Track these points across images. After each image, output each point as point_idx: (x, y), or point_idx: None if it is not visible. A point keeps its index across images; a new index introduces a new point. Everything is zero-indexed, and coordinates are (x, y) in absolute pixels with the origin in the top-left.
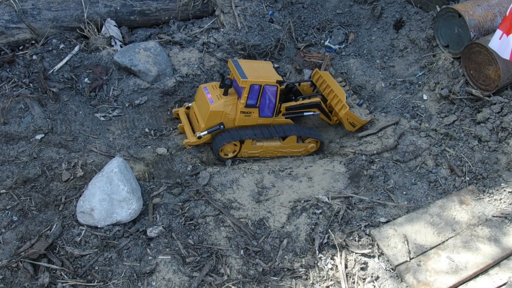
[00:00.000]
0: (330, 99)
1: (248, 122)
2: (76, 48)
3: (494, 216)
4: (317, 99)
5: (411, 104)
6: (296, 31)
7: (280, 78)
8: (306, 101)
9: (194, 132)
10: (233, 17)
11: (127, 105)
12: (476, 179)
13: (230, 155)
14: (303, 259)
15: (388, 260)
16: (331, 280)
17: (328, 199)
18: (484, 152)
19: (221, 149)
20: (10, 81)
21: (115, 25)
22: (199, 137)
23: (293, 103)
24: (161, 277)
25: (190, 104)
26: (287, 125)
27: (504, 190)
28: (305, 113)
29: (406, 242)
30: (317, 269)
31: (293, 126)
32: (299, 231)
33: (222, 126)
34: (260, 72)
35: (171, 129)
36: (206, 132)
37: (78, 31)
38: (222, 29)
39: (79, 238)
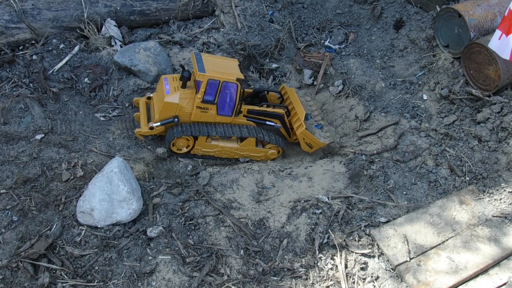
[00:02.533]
0: (291, 116)
1: (205, 119)
2: (76, 48)
3: (494, 216)
4: (281, 111)
5: (411, 104)
6: (296, 31)
7: (241, 76)
8: (270, 109)
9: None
10: (233, 17)
11: (127, 105)
12: (476, 179)
13: (184, 150)
14: (303, 259)
15: (388, 260)
16: (331, 280)
17: (328, 199)
18: (484, 152)
19: (173, 143)
20: (10, 81)
21: (115, 25)
22: (151, 128)
23: (256, 107)
24: (161, 277)
25: (151, 94)
26: (247, 127)
27: (504, 190)
28: (267, 122)
29: (406, 242)
30: (317, 269)
31: (253, 128)
32: (299, 231)
33: (176, 119)
34: (221, 68)
35: None
36: (159, 123)
37: (78, 31)
38: (222, 29)
39: (79, 238)
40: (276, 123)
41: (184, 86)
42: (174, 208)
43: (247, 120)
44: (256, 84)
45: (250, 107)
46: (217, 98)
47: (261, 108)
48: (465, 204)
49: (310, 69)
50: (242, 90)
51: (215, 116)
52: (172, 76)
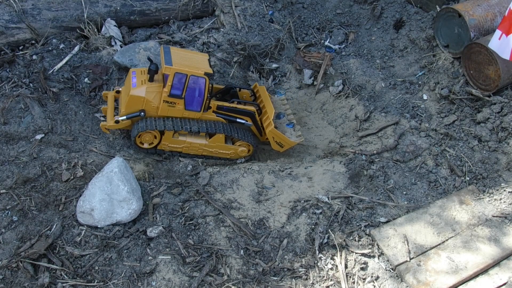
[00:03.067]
0: (262, 114)
1: (172, 114)
2: (76, 48)
3: (494, 216)
4: (252, 109)
5: (411, 104)
6: (296, 31)
7: (210, 71)
8: (240, 106)
9: None
10: (233, 17)
11: None
12: (476, 179)
13: (149, 145)
14: (303, 259)
15: (388, 260)
16: (331, 280)
17: (328, 199)
18: (484, 152)
19: (138, 137)
20: (10, 81)
21: (115, 25)
22: (117, 122)
23: (226, 104)
24: (161, 277)
25: (120, 88)
26: (216, 123)
27: (504, 190)
28: (238, 120)
29: (406, 242)
30: (317, 269)
31: (222, 125)
32: (299, 231)
33: (142, 113)
34: (189, 62)
35: None
36: (125, 117)
37: (78, 31)
38: (222, 29)
39: (79, 238)
40: (247, 121)
41: (151, 79)
42: (174, 208)
43: (217, 116)
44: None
45: (220, 103)
46: (184, 92)
47: (232, 105)
48: (465, 204)
49: (310, 69)
50: (211, 85)
51: (183, 111)
52: (141, 69)
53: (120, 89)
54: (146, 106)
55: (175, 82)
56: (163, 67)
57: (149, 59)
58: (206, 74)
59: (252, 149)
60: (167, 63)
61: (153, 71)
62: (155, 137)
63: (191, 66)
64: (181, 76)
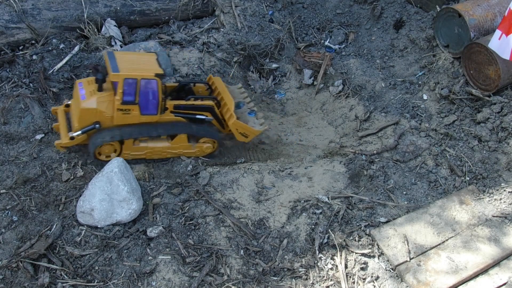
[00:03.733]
0: (222, 106)
1: (129, 121)
2: (76, 48)
3: (494, 216)
4: (210, 103)
5: (411, 104)
6: (296, 31)
7: (160, 71)
8: (198, 102)
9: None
10: (233, 17)
11: None
12: (476, 179)
13: (113, 155)
14: (303, 259)
15: (388, 260)
16: (331, 280)
17: (328, 199)
18: (484, 152)
19: (98, 151)
20: (10, 81)
21: (115, 25)
22: (72, 138)
23: (182, 102)
24: (161, 277)
25: (70, 102)
26: (176, 123)
27: (504, 190)
28: (197, 116)
29: (406, 242)
30: (317, 269)
31: (183, 124)
32: (299, 231)
33: (97, 125)
34: (137, 65)
35: None
36: (79, 132)
37: (78, 31)
38: (222, 29)
39: (79, 238)
40: (207, 116)
41: (100, 89)
42: (174, 208)
43: (176, 116)
44: (256, 84)
45: (176, 102)
46: (137, 97)
47: (188, 102)
48: (465, 204)
49: (310, 69)
50: (163, 85)
51: (139, 116)
52: (87, 79)
53: (69, 102)
54: (100, 117)
55: (126, 88)
56: (110, 74)
57: (94, 67)
58: (157, 75)
59: (218, 144)
60: (114, 70)
61: (100, 80)
62: (115, 150)
63: (139, 69)
64: (131, 81)
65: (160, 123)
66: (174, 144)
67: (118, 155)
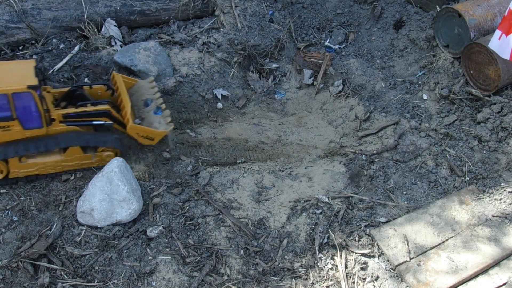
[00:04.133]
0: (121, 109)
1: (11, 137)
2: (76, 48)
3: (494, 216)
4: (105, 107)
5: (411, 104)
6: (296, 31)
7: (34, 82)
8: (90, 108)
9: None
10: (233, 17)
11: None
12: (476, 179)
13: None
14: (303, 259)
15: (388, 260)
16: (331, 280)
17: (328, 199)
18: (484, 152)
19: None
20: None
21: (115, 25)
22: None
23: (72, 110)
24: (161, 277)
25: None
26: (66, 134)
27: (504, 190)
28: (94, 122)
29: (406, 242)
30: (317, 269)
31: (75, 134)
32: (299, 231)
33: None
34: (8, 77)
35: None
36: None
37: (78, 31)
38: (222, 29)
39: (79, 238)
40: (105, 121)
41: None
42: (174, 208)
43: (68, 125)
44: (256, 84)
45: (65, 111)
46: (14, 112)
47: (79, 110)
48: (465, 204)
49: (310, 69)
50: (40, 96)
51: (24, 131)
52: None
53: None
54: None
55: None
56: None
57: None
58: (30, 87)
59: (119, 152)
60: None
61: None
62: (1, 171)
63: (9, 82)
64: (1, 96)
65: (49, 136)
66: (68, 157)
67: (7, 175)
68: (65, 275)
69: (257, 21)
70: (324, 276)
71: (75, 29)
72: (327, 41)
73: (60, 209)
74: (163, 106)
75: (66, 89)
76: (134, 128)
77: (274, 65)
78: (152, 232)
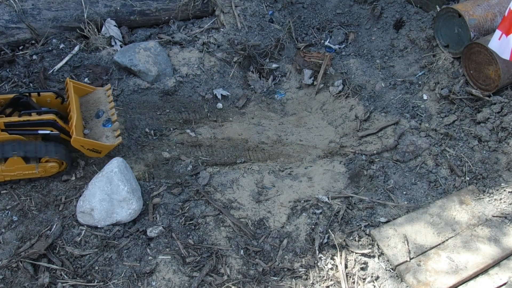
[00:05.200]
0: (69, 118)
1: None
2: (76, 48)
3: (494, 216)
4: (50, 117)
5: (411, 104)
6: (296, 31)
7: None
8: (34, 117)
9: None
10: (233, 17)
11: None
12: (476, 179)
13: None
14: (303, 259)
15: (388, 260)
16: (331, 280)
17: (328, 199)
18: (484, 152)
19: None
20: (10, 81)
21: (115, 25)
22: None
23: (14, 119)
24: (161, 277)
25: None
26: (6, 144)
27: (504, 190)
28: (39, 131)
29: (406, 242)
30: (317, 269)
31: (17, 144)
32: (299, 231)
33: None
34: None
35: (171, 129)
36: None
37: (78, 31)
38: (222, 29)
39: (79, 238)
40: (52, 131)
41: None
42: (174, 208)
43: (11, 134)
44: (256, 84)
45: (7, 119)
46: None
47: (22, 119)
48: (465, 204)
49: (310, 69)
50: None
51: None
52: None
53: None
54: None
55: None
56: None
57: None
58: None
59: (66, 164)
60: None
61: None
62: None
63: None
64: None
65: None
66: (9, 167)
67: None
68: (65, 275)
69: (257, 21)
70: (324, 276)
71: (75, 29)
72: (327, 41)
73: (60, 209)
74: (114, 117)
75: (12, 95)
76: (78, 140)
77: (274, 65)
78: (152, 232)
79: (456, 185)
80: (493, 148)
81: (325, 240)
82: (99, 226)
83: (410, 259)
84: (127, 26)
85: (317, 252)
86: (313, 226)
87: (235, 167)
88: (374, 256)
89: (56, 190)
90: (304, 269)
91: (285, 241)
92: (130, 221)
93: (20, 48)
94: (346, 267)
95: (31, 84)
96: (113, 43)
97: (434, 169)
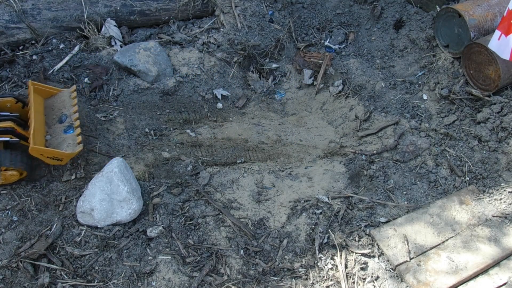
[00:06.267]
0: (29, 125)
1: None
2: (76, 48)
3: (494, 216)
4: (7, 124)
5: (411, 104)
6: (296, 31)
7: None
8: None
9: None
10: (233, 17)
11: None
12: (476, 179)
13: None
14: (303, 259)
15: (388, 260)
16: (331, 280)
17: (328, 199)
18: (484, 152)
19: None
20: (10, 81)
21: (115, 25)
22: None
23: None
24: (161, 277)
25: None
26: None
27: (504, 190)
28: None
29: (406, 242)
30: (317, 269)
31: None
32: (299, 231)
33: None
34: None
35: (171, 129)
36: None
37: (78, 31)
38: (222, 29)
39: (79, 238)
40: (11, 138)
41: None
42: (174, 208)
43: None
44: (256, 84)
45: None
46: None
47: None
48: (465, 204)
49: (310, 69)
50: None
51: None
52: None
53: None
54: None
55: None
56: None
57: None
58: None
59: (26, 173)
60: None
61: None
62: None
63: None
64: None
65: None
66: None
67: None
68: (65, 275)
69: (257, 21)
70: (324, 276)
71: (75, 29)
72: (327, 41)
73: (60, 209)
74: (77, 123)
75: None
76: (36, 149)
77: (274, 65)
78: (152, 232)
79: (456, 185)
80: (493, 148)
81: (325, 240)
82: (99, 226)
83: (410, 259)
84: (127, 26)
85: (317, 252)
86: (313, 226)
87: (235, 167)
88: (374, 256)
89: (56, 190)
90: (304, 269)
91: (285, 241)
92: (130, 221)
93: (20, 48)
94: (346, 267)
95: None
96: (113, 43)
97: (434, 169)
